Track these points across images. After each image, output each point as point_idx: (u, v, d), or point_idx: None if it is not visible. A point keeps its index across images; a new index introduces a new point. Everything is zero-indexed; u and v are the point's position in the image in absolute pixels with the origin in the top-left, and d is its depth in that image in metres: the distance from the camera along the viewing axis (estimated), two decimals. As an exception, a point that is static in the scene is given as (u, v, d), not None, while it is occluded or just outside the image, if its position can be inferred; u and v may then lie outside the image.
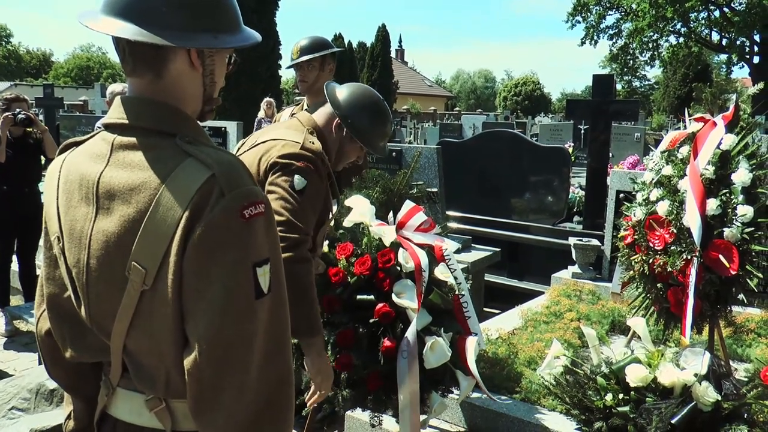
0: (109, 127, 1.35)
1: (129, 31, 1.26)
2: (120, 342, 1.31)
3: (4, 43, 69.92)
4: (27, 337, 5.74)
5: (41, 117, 15.23)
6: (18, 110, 5.59)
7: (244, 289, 1.22)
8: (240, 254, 1.22)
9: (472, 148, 9.04)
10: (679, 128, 3.87)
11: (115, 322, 1.29)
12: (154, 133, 1.30)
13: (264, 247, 1.26)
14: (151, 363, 1.30)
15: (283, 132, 2.49)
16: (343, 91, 2.64)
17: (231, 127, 9.05)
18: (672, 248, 3.46)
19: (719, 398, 2.69)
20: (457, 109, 50.95)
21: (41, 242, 6.40)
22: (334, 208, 2.71)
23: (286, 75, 26.80)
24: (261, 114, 12.46)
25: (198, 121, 1.42)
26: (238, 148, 2.68)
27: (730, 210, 3.34)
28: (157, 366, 1.29)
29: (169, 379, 1.29)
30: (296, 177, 2.32)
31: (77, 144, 1.45)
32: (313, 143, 2.43)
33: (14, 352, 5.51)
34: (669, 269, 3.44)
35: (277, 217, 2.03)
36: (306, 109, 3.79)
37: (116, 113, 1.34)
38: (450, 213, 7.54)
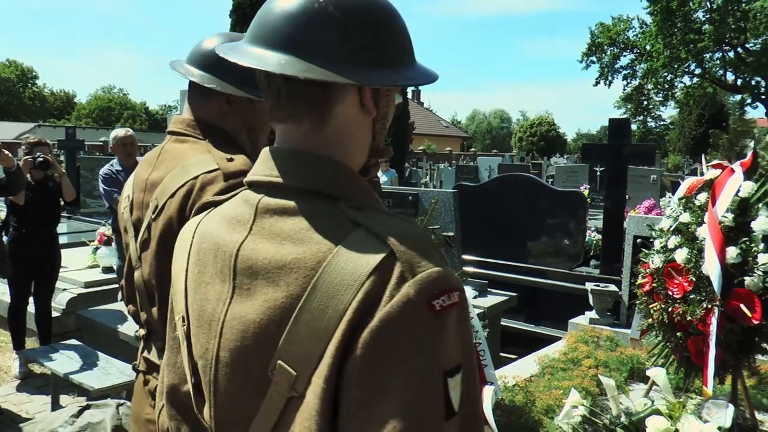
0: (254, 186, 1.07)
1: (294, 66, 0.99)
2: None
3: (30, 84, 71.46)
4: (40, 380, 5.73)
5: (62, 158, 15.46)
6: (38, 154, 5.68)
7: (432, 408, 0.88)
8: (428, 361, 0.88)
9: (488, 192, 9.05)
10: (695, 170, 3.85)
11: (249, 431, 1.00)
12: (311, 194, 1.01)
13: (457, 350, 0.92)
14: None
15: (183, 166, 1.81)
16: (200, 62, 1.86)
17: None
18: (691, 297, 3.42)
19: (744, 453, 2.63)
20: (472, 149, 51.24)
21: (60, 285, 6.44)
22: None
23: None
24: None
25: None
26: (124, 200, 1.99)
27: (750, 258, 3.30)
28: None
29: None
30: None
31: (215, 204, 1.18)
32: (231, 159, 1.78)
33: (27, 395, 5.48)
34: (689, 318, 3.40)
35: None
36: None
37: (264, 168, 1.06)
38: (466, 257, 7.51)
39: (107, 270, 7.24)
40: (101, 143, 26.23)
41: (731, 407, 2.71)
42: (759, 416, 3.78)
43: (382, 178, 12.17)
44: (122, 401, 4.05)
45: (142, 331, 1.90)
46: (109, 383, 4.53)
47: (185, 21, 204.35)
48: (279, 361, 0.94)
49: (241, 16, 25.09)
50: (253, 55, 1.02)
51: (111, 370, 4.78)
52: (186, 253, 1.15)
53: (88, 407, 3.94)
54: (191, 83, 1.88)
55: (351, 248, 0.93)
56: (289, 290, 0.94)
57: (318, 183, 1.01)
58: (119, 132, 6.37)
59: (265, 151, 1.08)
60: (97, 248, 7.50)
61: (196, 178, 1.73)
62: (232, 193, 1.15)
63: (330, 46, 0.99)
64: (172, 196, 1.75)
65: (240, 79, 1.82)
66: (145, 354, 1.86)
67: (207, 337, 1.06)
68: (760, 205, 3.38)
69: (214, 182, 1.71)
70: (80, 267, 7.49)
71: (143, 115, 74.37)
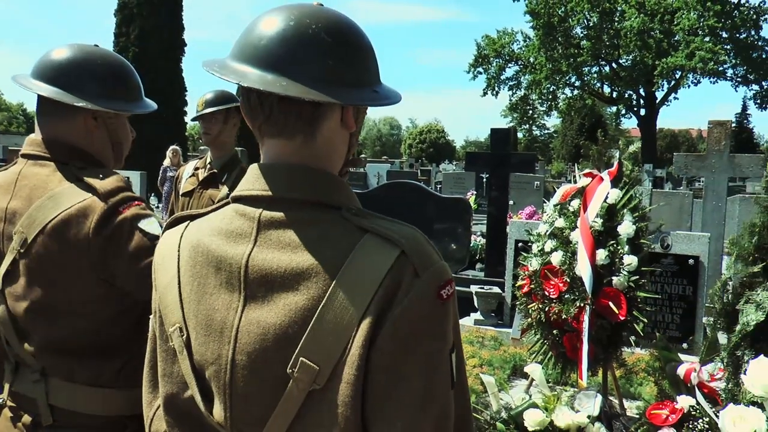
0: (245, 200, 1.14)
1: (296, 88, 1.07)
2: None
3: None
4: None
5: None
6: None
7: (445, 384, 1.06)
8: (440, 344, 1.05)
9: (375, 199, 9.20)
10: (571, 180, 4.12)
11: (265, 428, 1.09)
12: (310, 205, 1.10)
13: (453, 329, 1.10)
14: None
15: (52, 197, 1.70)
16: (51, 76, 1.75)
17: (135, 177, 8.76)
18: (566, 296, 3.65)
19: (610, 438, 2.85)
20: (362, 156, 51.63)
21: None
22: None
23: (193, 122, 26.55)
24: (167, 162, 12.29)
25: None
26: None
27: (617, 260, 3.57)
28: None
29: None
30: (143, 223, 1.69)
31: (192, 218, 1.24)
32: (102, 177, 1.71)
33: None
34: (564, 316, 3.63)
35: None
36: (210, 162, 3.81)
37: (257, 184, 1.13)
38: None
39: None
40: (-27, 147, 24.64)
41: (599, 397, 2.93)
42: (626, 403, 4.08)
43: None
44: None
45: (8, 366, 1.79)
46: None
47: (66, 17, 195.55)
48: (301, 358, 1.03)
49: (128, 16, 24.39)
50: (251, 76, 1.09)
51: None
52: (174, 268, 1.19)
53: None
54: (44, 100, 1.75)
55: (366, 251, 1.04)
56: (310, 293, 1.04)
57: (316, 194, 1.11)
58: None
59: (256, 168, 1.15)
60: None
61: (70, 207, 1.66)
62: (214, 206, 1.21)
63: (322, 68, 1.09)
64: (44, 229, 1.65)
65: (98, 92, 1.77)
66: (15, 388, 1.77)
67: (218, 343, 1.12)
68: (625, 210, 3.66)
69: (93, 206, 1.65)
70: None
71: (21, 118, 70.26)
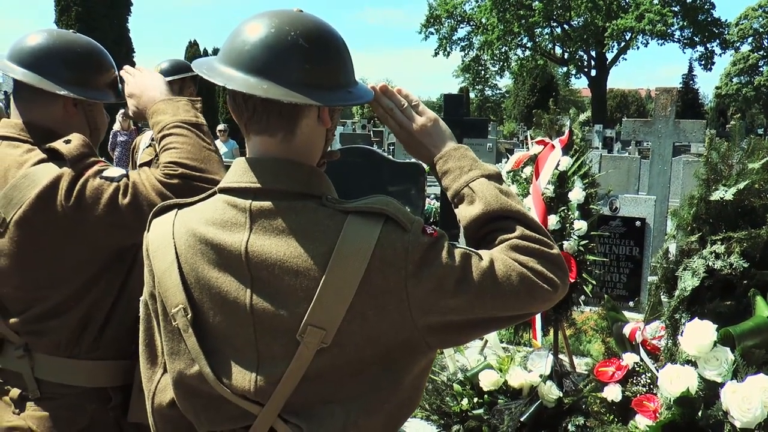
0: (233, 192, 1.25)
1: (276, 91, 1.19)
2: (281, 402, 1.23)
3: None
4: None
5: None
6: None
7: (468, 261, 1.21)
8: (447, 251, 1.21)
9: (329, 165, 9.21)
10: (522, 140, 4.23)
11: (279, 385, 1.21)
12: (295, 195, 1.23)
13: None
14: (322, 412, 1.23)
15: (27, 175, 1.70)
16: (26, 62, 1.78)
17: (85, 141, 8.61)
18: (519, 260, 3.79)
19: (561, 395, 3.01)
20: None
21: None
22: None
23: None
24: (116, 126, 12.05)
25: None
26: None
27: (568, 225, 3.72)
28: (332, 411, 1.22)
29: (346, 425, 1.22)
30: (105, 173, 1.71)
31: (179, 206, 1.34)
32: (68, 141, 1.72)
33: None
34: (516, 279, 3.77)
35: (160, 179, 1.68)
36: None
37: (245, 177, 1.24)
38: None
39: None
40: None
41: (550, 357, 3.09)
42: (576, 360, 4.27)
43: (223, 148, 12.00)
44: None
45: None
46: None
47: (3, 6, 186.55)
48: (309, 326, 1.17)
49: (65, 6, 23.14)
50: (236, 79, 1.21)
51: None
52: (171, 254, 1.28)
53: None
54: (23, 85, 1.78)
55: (353, 227, 1.18)
56: (310, 273, 1.17)
57: (299, 185, 1.23)
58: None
59: (243, 161, 1.27)
60: None
61: (44, 184, 1.67)
62: (200, 197, 1.31)
63: (301, 72, 1.21)
64: (22, 208, 1.67)
65: (78, 79, 1.81)
66: (0, 364, 1.81)
67: (236, 319, 1.23)
68: (576, 177, 3.80)
69: (61, 176, 1.67)
70: None
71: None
